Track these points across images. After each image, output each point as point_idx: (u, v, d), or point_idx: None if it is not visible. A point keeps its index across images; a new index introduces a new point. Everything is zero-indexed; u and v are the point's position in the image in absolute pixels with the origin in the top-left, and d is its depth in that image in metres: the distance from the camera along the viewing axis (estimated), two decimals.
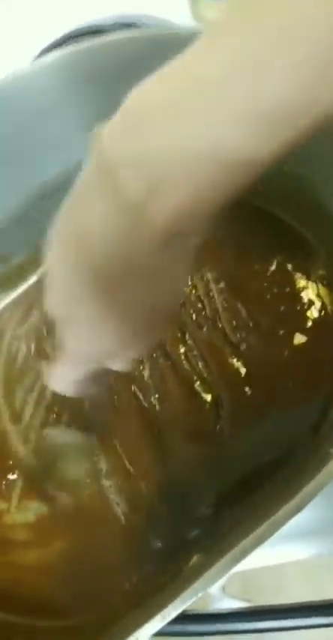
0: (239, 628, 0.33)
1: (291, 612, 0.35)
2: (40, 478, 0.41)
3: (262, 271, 0.44)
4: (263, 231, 0.45)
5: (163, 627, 0.28)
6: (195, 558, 0.35)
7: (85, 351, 0.29)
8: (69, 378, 0.31)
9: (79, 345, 0.28)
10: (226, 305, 0.43)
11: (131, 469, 0.40)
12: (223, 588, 0.39)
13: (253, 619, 0.33)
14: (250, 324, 0.42)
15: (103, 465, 0.40)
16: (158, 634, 0.28)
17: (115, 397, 0.42)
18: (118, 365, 0.29)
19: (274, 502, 0.30)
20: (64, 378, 0.31)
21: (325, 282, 0.43)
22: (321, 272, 0.43)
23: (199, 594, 0.27)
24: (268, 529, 0.28)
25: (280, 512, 0.28)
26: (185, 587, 0.28)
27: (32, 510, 0.40)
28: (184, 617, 0.30)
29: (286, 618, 0.35)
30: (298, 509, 0.28)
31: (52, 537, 0.39)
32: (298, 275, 0.44)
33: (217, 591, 0.39)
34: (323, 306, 0.42)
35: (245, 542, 0.28)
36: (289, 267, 0.44)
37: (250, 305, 0.43)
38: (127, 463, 0.40)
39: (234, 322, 0.42)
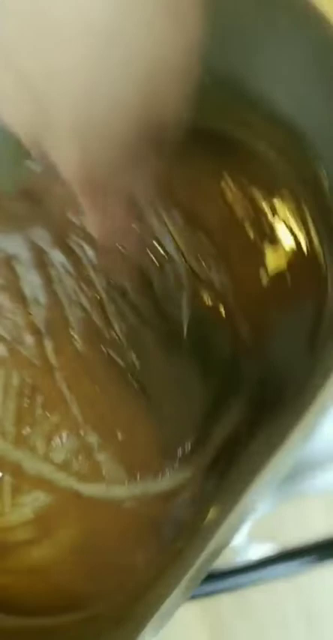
0: (269, 576, 0.31)
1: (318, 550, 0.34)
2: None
3: (218, 195, 0.40)
4: (212, 152, 0.41)
5: None
6: (210, 512, 0.33)
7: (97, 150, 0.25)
8: (105, 208, 0.28)
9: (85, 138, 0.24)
10: (185, 236, 0.39)
11: (122, 435, 0.37)
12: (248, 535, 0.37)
13: (283, 562, 0.31)
14: (217, 255, 0.39)
15: (93, 439, 0.37)
16: None
17: (88, 365, 0.38)
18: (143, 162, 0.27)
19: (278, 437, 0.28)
20: (100, 215, 0.29)
21: (290, 198, 0.40)
22: (285, 188, 0.40)
23: (224, 548, 0.25)
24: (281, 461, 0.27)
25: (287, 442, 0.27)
26: (206, 543, 0.26)
27: (28, 505, 0.37)
28: (212, 576, 0.28)
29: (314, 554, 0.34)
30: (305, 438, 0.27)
31: (56, 528, 0.36)
32: (260, 194, 0.40)
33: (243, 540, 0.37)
34: (293, 223, 0.39)
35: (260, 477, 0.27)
36: (250, 187, 0.40)
37: (213, 234, 0.39)
38: (117, 430, 0.37)
39: (199, 255, 0.39)
